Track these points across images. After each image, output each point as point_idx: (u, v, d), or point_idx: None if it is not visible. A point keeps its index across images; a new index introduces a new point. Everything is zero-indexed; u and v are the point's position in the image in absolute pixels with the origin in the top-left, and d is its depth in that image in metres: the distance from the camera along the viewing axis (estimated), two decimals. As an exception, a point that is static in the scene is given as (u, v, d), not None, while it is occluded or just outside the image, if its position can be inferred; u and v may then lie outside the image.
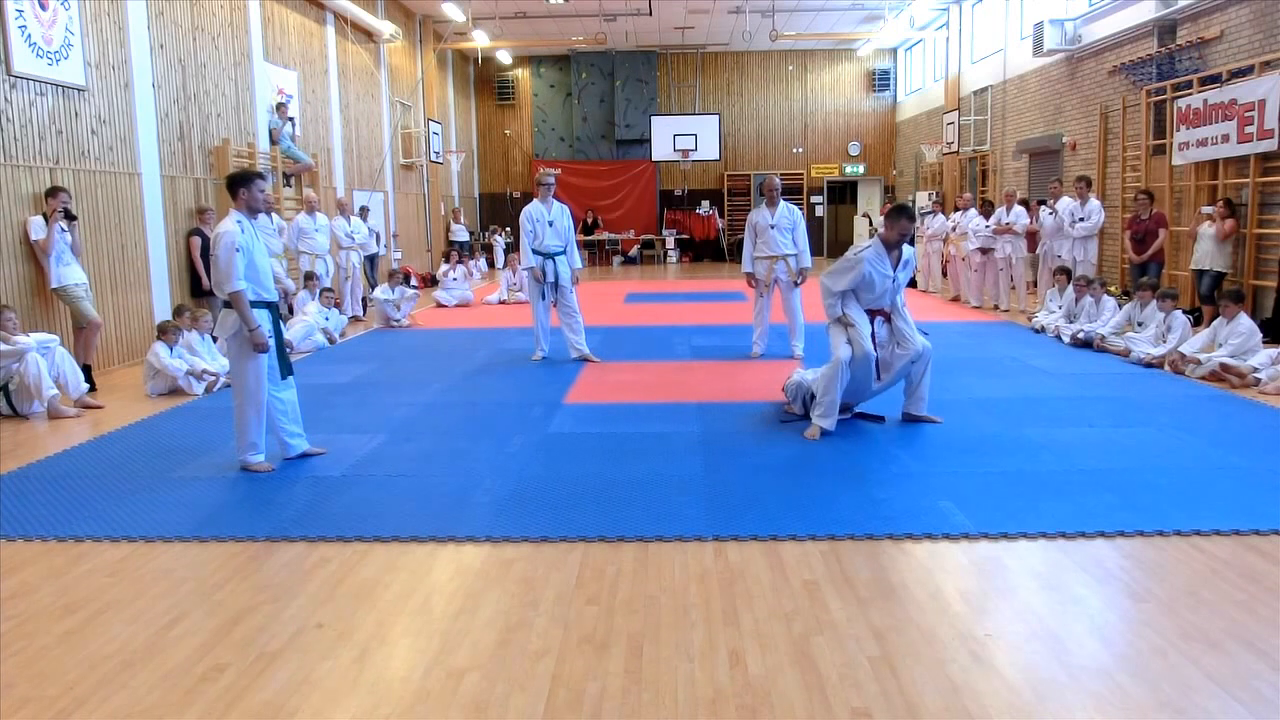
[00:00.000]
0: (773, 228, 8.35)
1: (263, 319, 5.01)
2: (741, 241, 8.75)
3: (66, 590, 3.58)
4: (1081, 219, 10.81)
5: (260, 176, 5.23)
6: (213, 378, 7.48)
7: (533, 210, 8.63)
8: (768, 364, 8.24)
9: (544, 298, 8.63)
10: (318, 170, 12.89)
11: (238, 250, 4.89)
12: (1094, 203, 10.93)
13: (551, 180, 8.87)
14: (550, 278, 8.52)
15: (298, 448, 5.32)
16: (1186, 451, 5.23)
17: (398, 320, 11.43)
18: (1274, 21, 9.19)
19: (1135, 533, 3.97)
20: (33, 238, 7.37)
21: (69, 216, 7.42)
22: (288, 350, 5.37)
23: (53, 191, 7.45)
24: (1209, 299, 9.34)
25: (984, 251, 12.27)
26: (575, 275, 8.71)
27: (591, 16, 18.12)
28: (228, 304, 5.01)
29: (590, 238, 22.44)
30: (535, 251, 8.53)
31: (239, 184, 5.08)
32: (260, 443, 5.16)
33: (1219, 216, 9.35)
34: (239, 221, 4.99)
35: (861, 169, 23.88)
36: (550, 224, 8.55)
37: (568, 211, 8.86)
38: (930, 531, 4.02)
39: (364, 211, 13.84)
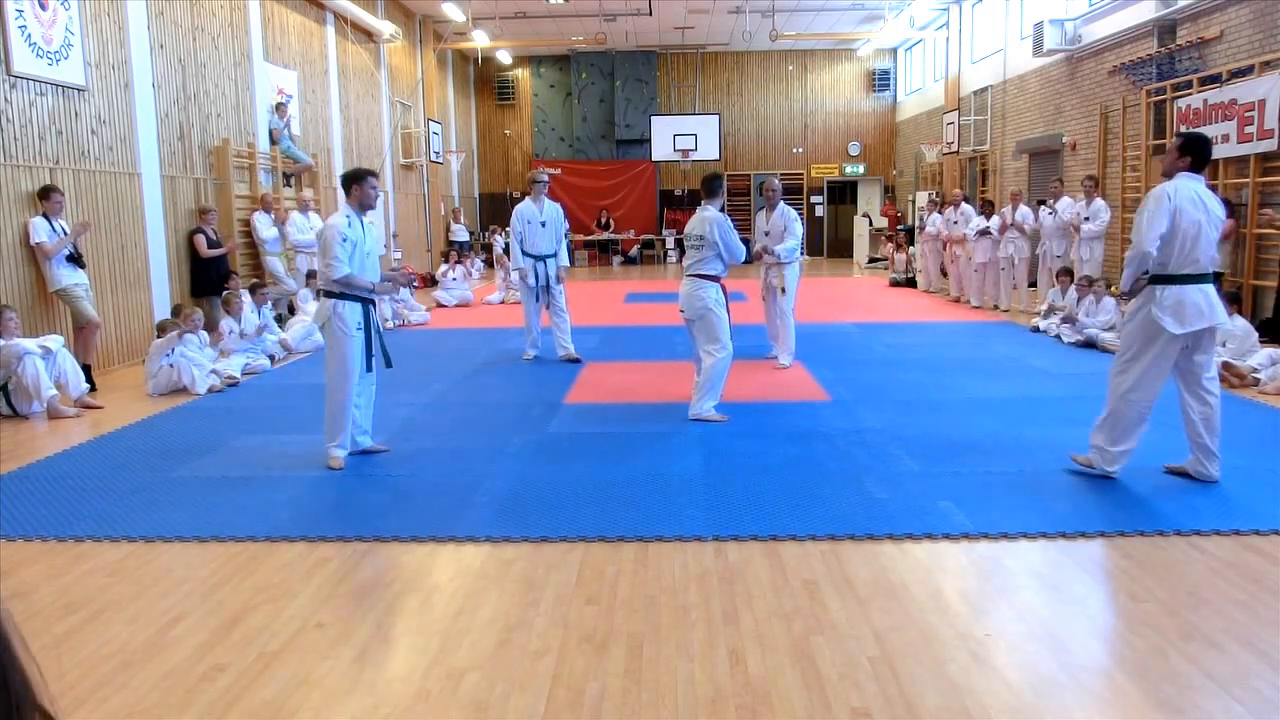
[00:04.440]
0: (766, 234, 8.12)
1: (355, 313, 5.12)
2: (746, 240, 8.66)
3: (66, 590, 3.58)
4: (1087, 218, 10.79)
5: (374, 175, 5.32)
6: (214, 378, 7.47)
7: (524, 210, 8.58)
8: (767, 364, 8.24)
9: (537, 299, 8.64)
10: (318, 170, 12.89)
11: (344, 240, 5.00)
12: (1099, 202, 10.92)
13: (545, 179, 8.71)
14: (541, 280, 8.51)
15: (362, 444, 5.38)
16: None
17: (396, 321, 11.42)
18: (1274, 21, 9.19)
19: (1135, 533, 3.97)
20: (33, 240, 7.30)
21: (79, 263, 7.46)
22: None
23: (45, 193, 7.40)
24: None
25: (984, 234, 12.18)
26: (561, 273, 8.64)
27: (591, 16, 18.11)
28: (329, 293, 5.09)
29: (597, 237, 22.60)
30: (526, 254, 8.49)
31: (355, 180, 5.19)
32: (345, 437, 5.21)
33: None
34: (347, 216, 5.10)
35: (861, 169, 23.87)
36: (543, 224, 8.50)
37: (561, 211, 8.81)
38: (930, 531, 4.02)
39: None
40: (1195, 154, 4.57)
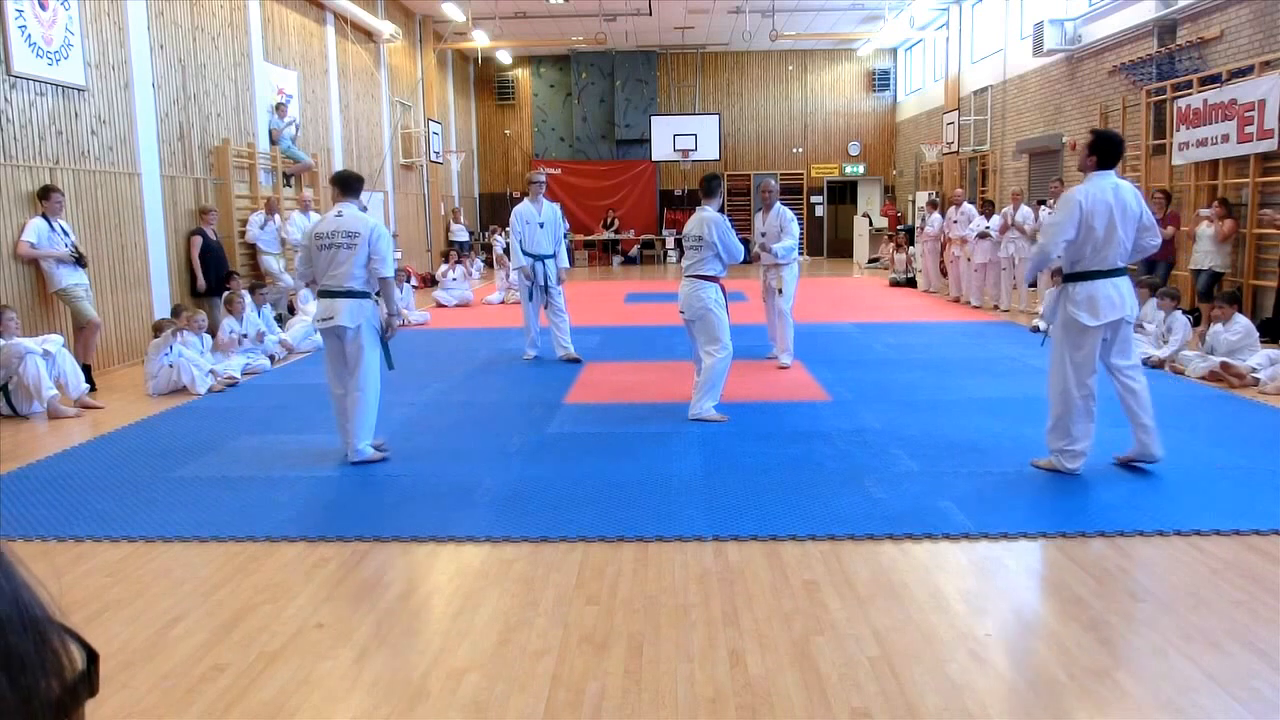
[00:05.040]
0: (763, 234, 8.09)
1: None
2: (745, 241, 8.65)
3: (66, 590, 3.57)
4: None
5: None
6: (214, 379, 7.47)
7: (523, 211, 8.61)
8: (767, 364, 8.24)
9: (532, 299, 8.66)
10: (318, 170, 12.89)
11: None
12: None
13: (542, 179, 8.76)
14: (540, 280, 8.52)
15: None
16: (1186, 451, 5.22)
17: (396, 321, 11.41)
18: (1274, 21, 9.19)
19: (1135, 533, 3.97)
20: (22, 237, 7.19)
21: (80, 264, 7.45)
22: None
23: (45, 193, 7.38)
24: (1206, 297, 9.35)
25: (983, 236, 12.18)
26: (560, 274, 8.68)
27: (591, 16, 18.11)
28: (345, 293, 5.12)
29: (599, 237, 22.65)
30: (526, 253, 8.50)
31: (361, 182, 5.41)
32: (372, 433, 5.31)
33: (1217, 217, 9.36)
34: None
35: (861, 169, 23.87)
36: (541, 225, 8.53)
37: (559, 211, 8.84)
38: (930, 531, 4.01)
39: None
40: (1102, 153, 4.76)
